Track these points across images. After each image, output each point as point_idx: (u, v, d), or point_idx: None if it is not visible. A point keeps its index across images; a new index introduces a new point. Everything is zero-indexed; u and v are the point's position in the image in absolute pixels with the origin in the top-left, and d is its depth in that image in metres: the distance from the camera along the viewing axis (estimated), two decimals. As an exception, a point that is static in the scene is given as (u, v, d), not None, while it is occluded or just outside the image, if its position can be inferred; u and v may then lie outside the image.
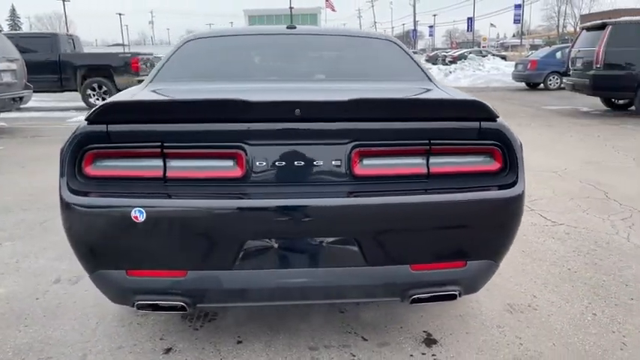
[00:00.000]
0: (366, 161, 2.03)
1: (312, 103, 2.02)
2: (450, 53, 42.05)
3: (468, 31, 57.23)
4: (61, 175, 1.99)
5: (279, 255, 2.02)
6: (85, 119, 1.98)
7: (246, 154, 1.98)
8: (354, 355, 2.35)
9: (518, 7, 47.07)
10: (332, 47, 3.18)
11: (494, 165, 2.07)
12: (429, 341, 2.46)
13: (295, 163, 1.99)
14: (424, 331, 2.54)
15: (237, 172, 1.99)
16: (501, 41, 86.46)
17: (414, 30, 68.04)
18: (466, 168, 2.07)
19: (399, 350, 2.39)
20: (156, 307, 2.09)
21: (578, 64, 11.06)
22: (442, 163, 2.05)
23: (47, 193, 5.02)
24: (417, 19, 64.92)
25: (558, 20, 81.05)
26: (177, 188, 1.98)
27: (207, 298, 2.10)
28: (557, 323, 2.60)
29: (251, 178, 1.99)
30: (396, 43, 3.16)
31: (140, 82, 13.74)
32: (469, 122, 2.03)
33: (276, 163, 1.99)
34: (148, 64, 14.68)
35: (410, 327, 2.58)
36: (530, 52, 27.86)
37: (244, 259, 1.99)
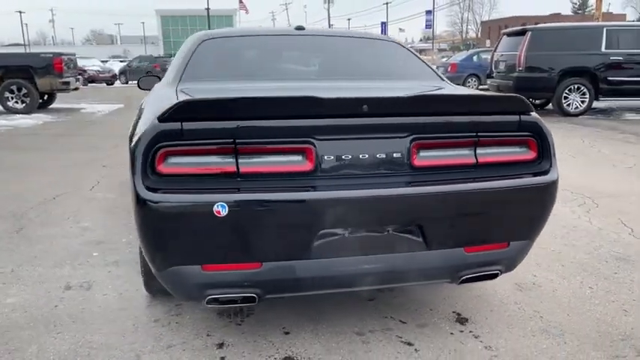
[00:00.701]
0: (422, 153, 2.19)
1: (378, 99, 2.16)
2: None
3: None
4: (135, 173, 1.99)
5: (348, 243, 2.13)
6: (158, 118, 1.99)
7: (316, 149, 2.08)
8: (400, 337, 2.50)
9: (429, 12, 49.45)
10: (345, 48, 3.31)
11: (531, 154, 2.31)
12: (461, 319, 2.66)
13: (360, 156, 2.12)
14: (453, 312, 2.75)
15: (307, 166, 2.08)
16: (410, 45, 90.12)
17: (329, 33, 69.11)
18: (507, 157, 2.29)
19: (438, 329, 2.57)
20: (225, 301, 2.14)
21: (502, 67, 11.90)
22: (488, 154, 2.26)
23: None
24: (332, 23, 66.04)
25: (462, 26, 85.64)
26: (249, 183, 2.04)
27: (279, 288, 2.17)
28: (563, 297, 2.90)
29: (320, 171, 2.09)
30: (400, 44, 3.35)
31: (65, 83, 12.97)
32: (510, 116, 2.25)
33: (343, 157, 2.11)
34: (72, 65, 13.99)
35: (439, 309, 2.78)
36: (446, 57, 29.33)
37: (317, 249, 2.09)
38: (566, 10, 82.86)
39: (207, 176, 2.03)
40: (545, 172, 2.29)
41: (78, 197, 5.05)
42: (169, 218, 1.99)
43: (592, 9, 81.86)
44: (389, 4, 56.17)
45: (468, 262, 2.28)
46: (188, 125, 1.99)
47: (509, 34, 12.16)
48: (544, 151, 2.31)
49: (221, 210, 1.95)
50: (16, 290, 3.02)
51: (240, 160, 2.04)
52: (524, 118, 2.26)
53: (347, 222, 2.10)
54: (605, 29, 11.00)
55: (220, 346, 2.43)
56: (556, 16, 74.39)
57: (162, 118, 1.98)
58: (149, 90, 4.33)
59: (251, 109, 2.05)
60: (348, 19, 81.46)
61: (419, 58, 3.22)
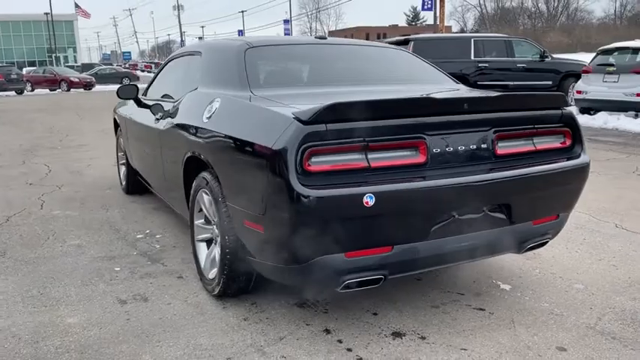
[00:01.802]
0: (501, 143, 2.60)
1: (475, 98, 2.52)
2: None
3: (239, 43, 59.07)
4: (288, 170, 2.13)
5: (456, 224, 2.46)
6: (304, 120, 2.15)
7: (427, 143, 2.39)
8: (469, 305, 2.89)
9: (286, 22, 50.80)
10: (376, 55, 3.62)
11: (567, 141, 2.84)
12: (505, 284, 3.13)
13: (459, 147, 2.47)
14: (493, 281, 3.20)
15: (421, 159, 2.39)
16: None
17: (182, 40, 67.63)
18: (552, 145, 2.79)
19: (492, 295, 3.01)
20: (357, 285, 2.35)
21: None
22: (541, 142, 2.74)
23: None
24: (184, 30, 64.66)
25: (310, 35, 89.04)
26: (378, 176, 2.29)
27: (403, 268, 2.43)
28: (563, 261, 3.51)
29: (431, 163, 2.40)
30: (411, 53, 3.77)
31: None
32: (555, 110, 2.76)
33: (447, 149, 2.44)
34: None
35: (480, 280, 3.21)
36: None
37: (434, 231, 2.39)
38: (402, 21, 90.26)
39: (346, 171, 2.24)
40: (579, 156, 2.83)
41: (35, 217, 4.67)
42: (326, 210, 2.16)
43: (423, 21, 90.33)
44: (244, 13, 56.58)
45: (533, 233, 2.75)
46: (331, 126, 2.18)
47: (391, 44, 13.20)
48: (576, 138, 2.85)
49: (369, 200, 2.18)
50: (67, 311, 2.86)
51: (369, 156, 2.28)
52: (564, 111, 2.78)
53: (457, 205, 2.43)
54: (472, 40, 12.51)
55: (327, 331, 2.61)
56: (395, 27, 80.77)
57: (309, 120, 2.15)
58: (130, 99, 4.25)
59: (379, 110, 2.30)
60: (202, 27, 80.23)
61: (429, 64, 3.66)
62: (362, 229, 2.25)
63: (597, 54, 11.43)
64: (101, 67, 40.40)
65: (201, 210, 3.12)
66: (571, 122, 2.83)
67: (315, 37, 3.62)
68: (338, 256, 2.26)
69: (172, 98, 3.80)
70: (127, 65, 57.94)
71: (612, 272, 3.32)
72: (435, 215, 2.38)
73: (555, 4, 73.79)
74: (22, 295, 3.07)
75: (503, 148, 2.60)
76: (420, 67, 3.59)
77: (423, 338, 2.55)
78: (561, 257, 3.56)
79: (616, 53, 11.11)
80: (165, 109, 3.65)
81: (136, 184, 5.27)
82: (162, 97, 4.19)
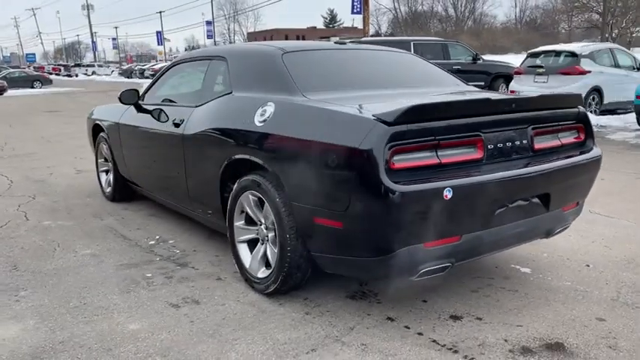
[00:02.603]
0: (537, 138, 2.89)
1: (519, 99, 2.79)
2: (149, 66, 41.96)
3: (158, 44, 57.74)
4: (377, 168, 2.28)
5: (510, 212, 2.71)
6: (389, 122, 2.32)
7: (484, 140, 2.62)
8: (503, 287, 3.16)
9: (209, 23, 50.00)
10: (396, 60, 3.82)
11: (582, 136, 3.18)
12: (526, 269, 3.44)
13: (507, 144, 2.73)
14: (513, 266, 3.50)
15: (479, 154, 2.62)
16: (174, 55, 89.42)
17: (93, 42, 64.69)
18: (571, 140, 3.13)
19: (519, 277, 3.31)
20: (431, 272, 2.54)
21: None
22: (564, 137, 3.07)
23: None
24: (95, 31, 61.84)
25: (229, 37, 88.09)
26: (449, 171, 2.49)
27: (468, 254, 2.65)
28: (561, 244, 3.89)
29: (486, 158, 2.64)
30: (417, 56, 4.01)
31: None
32: (575, 109, 3.10)
33: (498, 145, 2.69)
34: None
35: (500, 266, 3.51)
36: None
37: (494, 219, 2.64)
38: (320, 24, 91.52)
39: (422, 168, 2.43)
40: (591, 149, 3.18)
41: (26, 229, 4.47)
42: (412, 204, 2.33)
43: (341, 23, 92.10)
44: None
45: (562, 219, 3.07)
46: (410, 127, 2.37)
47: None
48: (588, 133, 3.20)
49: (448, 194, 2.38)
50: (122, 318, 2.83)
51: (439, 153, 2.49)
52: (580, 109, 3.13)
53: (511, 195, 2.69)
54: (412, 43, 13.08)
55: (391, 319, 2.78)
56: (313, 30, 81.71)
57: (393, 121, 2.32)
58: (131, 104, 4.21)
59: (449, 110, 2.52)
60: (115, 27, 77.17)
61: (437, 66, 3.92)
62: (440, 220, 2.44)
63: (527, 56, 12.35)
64: (10, 71, 37.74)
65: (242, 212, 3.18)
66: (585, 119, 3.17)
67: (335, 43, 3.76)
68: (418, 246, 2.44)
69: (187, 103, 3.80)
70: (31, 67, 54.53)
71: (608, 252, 3.73)
72: (495, 205, 2.62)
73: (463, 9, 77.95)
74: (64, 306, 2.99)
75: (540, 142, 2.90)
76: (434, 70, 3.85)
77: (480, 319, 2.78)
78: (560, 242, 3.93)
79: (542, 56, 12.07)
80: (185, 114, 3.66)
81: (123, 192, 5.15)
82: (167, 101, 4.17)
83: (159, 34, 54.20)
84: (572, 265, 3.51)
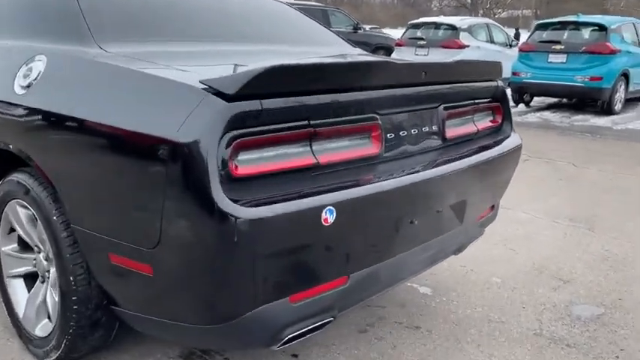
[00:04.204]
0: (449, 122, 2.04)
1: (432, 65, 1.91)
2: None
3: None
4: (204, 177, 1.29)
5: (414, 231, 1.85)
6: (228, 94, 1.31)
7: (381, 126, 1.72)
8: (399, 322, 2.35)
9: None
10: (252, 6, 2.73)
11: (498, 119, 2.40)
12: (425, 289, 2.66)
13: (411, 131, 1.86)
14: (409, 285, 2.71)
15: (374, 149, 1.71)
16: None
17: None
18: (487, 124, 2.33)
19: (418, 304, 2.52)
20: (302, 335, 1.61)
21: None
22: (480, 121, 2.27)
23: None
24: None
25: None
26: (330, 177, 1.57)
27: (358, 298, 1.75)
28: (476, 247, 3.19)
29: (384, 154, 1.75)
30: (289, 4, 2.99)
31: None
32: (493, 82, 2.30)
33: (400, 133, 1.81)
34: None
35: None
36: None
37: (395, 244, 1.77)
38: None
39: (288, 173, 1.47)
40: (509, 136, 2.42)
41: None
42: (267, 238, 1.38)
43: None
44: None
45: (476, 230, 2.31)
46: (268, 103, 1.40)
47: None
48: (506, 116, 2.44)
49: (329, 217, 1.45)
50: None
51: (314, 147, 1.54)
52: (499, 84, 2.34)
53: (417, 207, 1.84)
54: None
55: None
56: None
57: (236, 94, 1.33)
58: None
59: (329, 78, 1.58)
60: None
61: (316, 20, 2.95)
62: (315, 259, 1.51)
63: (408, 28, 11.87)
64: None
65: (12, 231, 2.03)
66: (503, 96, 2.40)
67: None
68: (281, 302, 1.48)
69: None
70: None
71: (514, 258, 3.09)
72: (397, 225, 1.75)
73: (344, -20, 78.20)
74: None
75: (452, 128, 2.07)
76: (311, 25, 2.87)
77: (372, 384, 1.93)
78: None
79: (423, 27, 11.66)
80: None
81: None
82: None
83: None
84: (478, 280, 2.79)
